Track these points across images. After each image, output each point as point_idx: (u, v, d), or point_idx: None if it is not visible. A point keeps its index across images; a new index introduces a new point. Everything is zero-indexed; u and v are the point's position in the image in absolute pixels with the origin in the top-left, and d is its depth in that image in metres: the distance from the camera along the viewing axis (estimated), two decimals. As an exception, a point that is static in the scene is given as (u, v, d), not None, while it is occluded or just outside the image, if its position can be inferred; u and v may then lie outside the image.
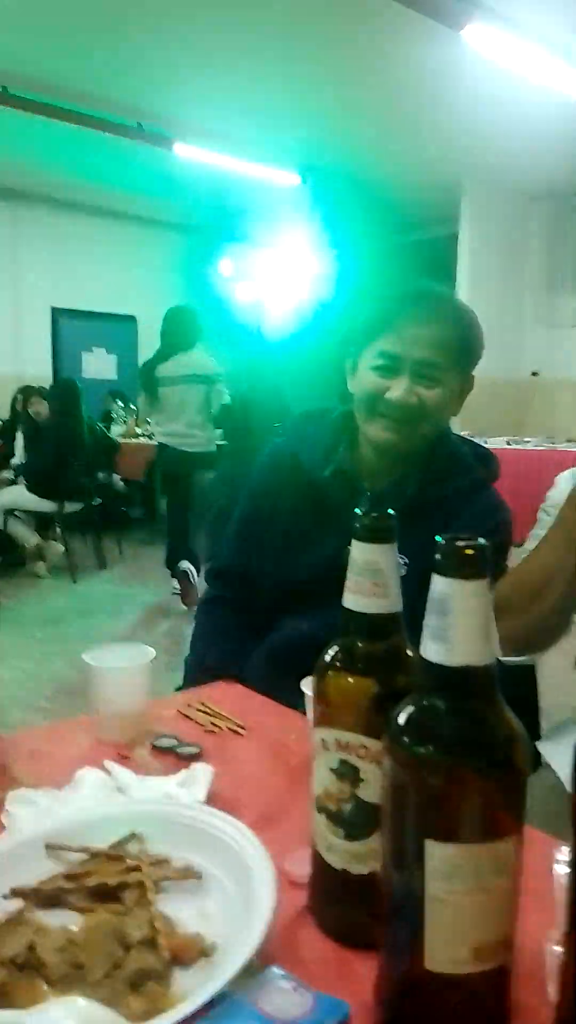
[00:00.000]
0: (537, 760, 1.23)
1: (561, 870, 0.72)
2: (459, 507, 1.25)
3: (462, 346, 1.22)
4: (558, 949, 0.62)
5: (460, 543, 0.49)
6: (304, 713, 0.93)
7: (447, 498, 1.25)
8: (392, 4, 4.07)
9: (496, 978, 0.53)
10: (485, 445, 1.43)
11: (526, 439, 6.66)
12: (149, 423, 5.68)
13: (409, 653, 0.61)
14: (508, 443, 6.49)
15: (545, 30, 4.46)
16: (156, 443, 5.01)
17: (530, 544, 1.20)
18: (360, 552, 0.61)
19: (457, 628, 0.49)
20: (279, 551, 1.32)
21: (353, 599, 0.62)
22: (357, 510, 0.62)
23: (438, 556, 0.50)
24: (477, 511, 1.25)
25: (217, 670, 1.26)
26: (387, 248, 9.30)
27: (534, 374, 8.29)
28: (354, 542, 0.62)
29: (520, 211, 8.14)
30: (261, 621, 1.35)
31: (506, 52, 4.63)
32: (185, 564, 4.68)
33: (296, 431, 1.38)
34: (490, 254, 8.05)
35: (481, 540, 0.50)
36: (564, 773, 1.13)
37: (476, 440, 1.48)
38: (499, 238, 8.09)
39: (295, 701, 1.05)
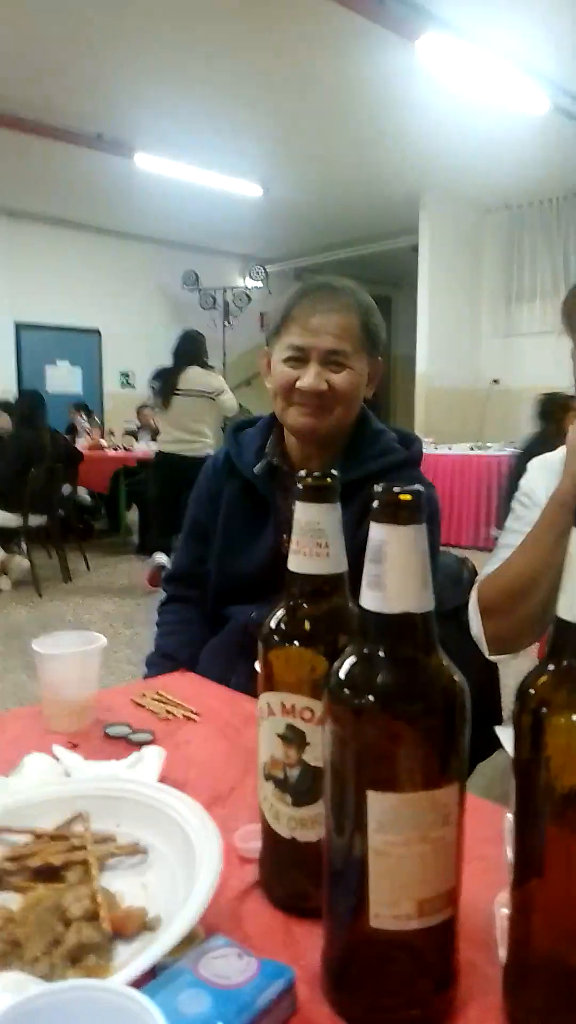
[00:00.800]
0: (495, 743, 1.24)
1: (508, 836, 0.72)
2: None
3: (365, 332, 1.28)
4: (506, 911, 0.61)
5: (395, 489, 0.49)
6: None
7: (368, 478, 1.27)
8: (347, 16, 4.13)
9: (441, 936, 0.52)
10: (450, 447, 1.45)
11: (488, 445, 6.74)
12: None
13: (352, 613, 0.61)
14: (472, 449, 6.57)
15: (499, 42, 4.55)
16: (157, 451, 5.52)
17: (508, 539, 1.17)
18: (302, 512, 0.61)
19: (393, 574, 0.48)
20: (223, 551, 1.39)
21: (296, 560, 0.61)
22: (300, 473, 0.62)
23: (374, 504, 0.49)
24: None
25: (175, 658, 1.31)
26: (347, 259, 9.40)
27: (495, 382, 8.42)
28: (297, 503, 0.61)
29: (477, 223, 8.29)
30: (213, 617, 1.40)
31: (460, 64, 4.71)
32: (161, 557, 5.20)
33: (232, 437, 1.45)
34: (449, 265, 8.18)
35: (417, 487, 0.49)
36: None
37: (440, 446, 1.50)
38: (457, 250, 8.23)
39: (249, 686, 1.05)
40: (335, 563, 0.61)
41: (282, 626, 0.63)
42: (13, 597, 5.11)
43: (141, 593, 5.13)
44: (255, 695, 1.07)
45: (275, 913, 0.64)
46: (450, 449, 6.65)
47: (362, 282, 1.35)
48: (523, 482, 1.23)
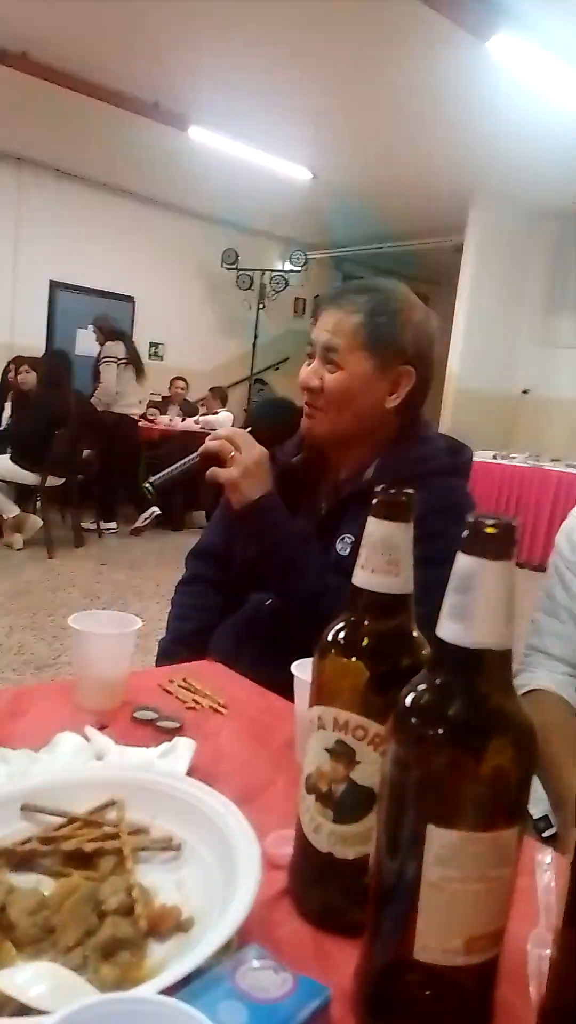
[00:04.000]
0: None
1: (545, 874, 0.71)
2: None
3: (368, 330, 1.21)
4: (542, 950, 0.61)
5: (489, 521, 0.48)
6: (284, 692, 0.92)
7: (398, 483, 1.24)
8: (419, 8, 4.06)
9: (484, 974, 0.51)
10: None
11: (512, 455, 6.70)
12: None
13: (415, 635, 0.60)
14: (494, 457, 6.53)
15: (571, 45, 4.46)
16: None
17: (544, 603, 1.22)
18: (374, 528, 0.60)
19: (479, 609, 0.47)
20: None
21: (363, 576, 0.60)
22: (377, 488, 0.61)
23: (466, 533, 0.48)
24: (431, 493, 1.22)
25: (190, 646, 1.33)
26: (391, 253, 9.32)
27: (525, 392, 8.34)
28: (370, 518, 0.60)
29: (525, 228, 8.18)
30: (233, 600, 1.39)
31: (529, 66, 4.63)
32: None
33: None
34: (492, 269, 8.09)
35: (511, 520, 0.48)
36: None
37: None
38: (502, 253, 8.13)
39: (257, 672, 1.12)
40: (404, 583, 0.60)
41: (341, 639, 0.62)
42: (24, 556, 5.14)
43: (152, 566, 5.14)
44: (256, 678, 1.09)
45: (304, 924, 0.63)
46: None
47: (398, 277, 1.33)
48: (559, 539, 1.24)
